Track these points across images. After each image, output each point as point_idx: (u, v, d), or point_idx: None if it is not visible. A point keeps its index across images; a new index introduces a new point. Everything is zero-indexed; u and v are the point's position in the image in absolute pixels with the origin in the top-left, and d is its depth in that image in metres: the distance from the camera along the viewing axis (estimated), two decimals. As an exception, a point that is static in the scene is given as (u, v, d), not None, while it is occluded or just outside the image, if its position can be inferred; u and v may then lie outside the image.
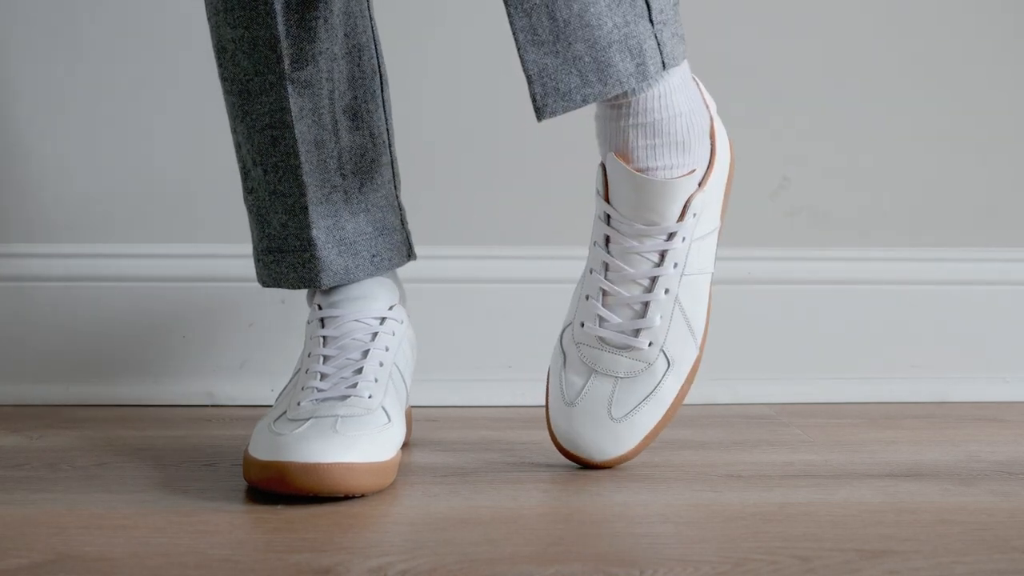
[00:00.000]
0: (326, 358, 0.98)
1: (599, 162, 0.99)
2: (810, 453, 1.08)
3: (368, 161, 1.04)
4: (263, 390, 1.33)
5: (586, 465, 0.98)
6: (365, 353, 0.98)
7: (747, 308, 1.40)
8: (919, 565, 0.73)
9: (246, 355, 1.36)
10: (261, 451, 0.89)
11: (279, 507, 0.86)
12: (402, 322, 1.03)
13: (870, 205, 1.43)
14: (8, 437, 1.14)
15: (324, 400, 0.94)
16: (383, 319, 1.02)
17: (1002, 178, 1.44)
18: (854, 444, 1.12)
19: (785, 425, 1.23)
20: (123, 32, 1.36)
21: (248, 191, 1.05)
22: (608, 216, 0.97)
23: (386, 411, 0.95)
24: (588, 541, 0.77)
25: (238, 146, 1.04)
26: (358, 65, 1.02)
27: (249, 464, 0.90)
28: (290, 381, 1.00)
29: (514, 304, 1.36)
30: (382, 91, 1.05)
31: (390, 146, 1.06)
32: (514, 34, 0.90)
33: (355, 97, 1.02)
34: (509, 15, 0.90)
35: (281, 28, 0.96)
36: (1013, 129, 1.44)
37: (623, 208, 0.96)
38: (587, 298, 0.99)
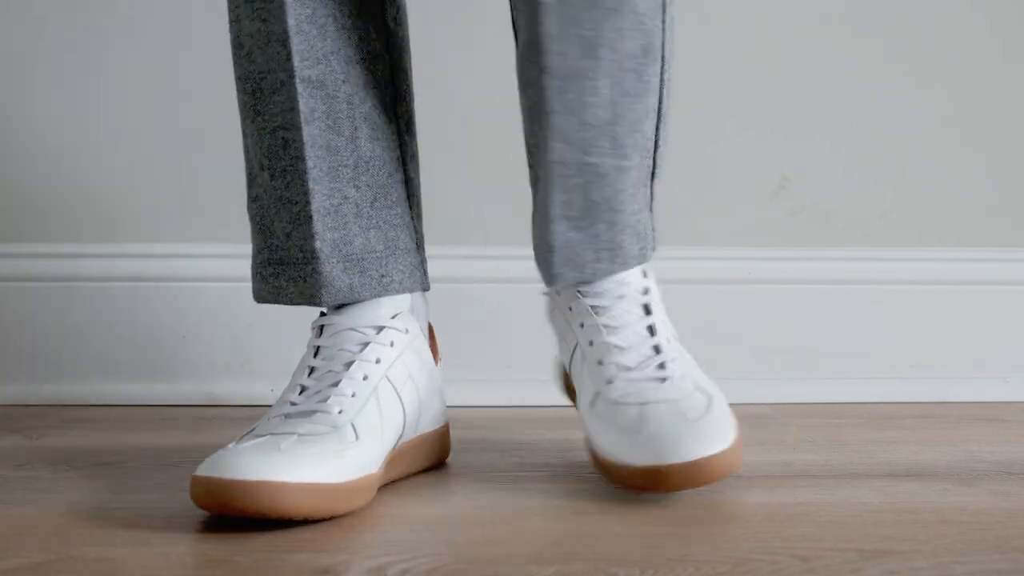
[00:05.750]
0: (312, 370, 0.93)
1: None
2: (810, 453, 1.08)
3: (385, 175, 0.99)
4: (263, 390, 1.33)
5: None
6: (349, 364, 0.92)
7: (747, 308, 1.40)
8: (919, 565, 0.73)
9: (246, 355, 1.36)
10: (202, 467, 0.83)
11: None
12: (406, 332, 0.97)
13: (870, 205, 1.43)
14: (8, 437, 1.14)
15: (291, 416, 0.89)
16: (381, 328, 0.95)
17: (1002, 178, 1.44)
18: (854, 444, 1.12)
19: (785, 425, 1.23)
20: (123, 32, 1.36)
21: (252, 198, 0.99)
22: None
23: (355, 428, 0.88)
24: (588, 541, 0.77)
25: (247, 149, 1.00)
26: (372, 73, 0.98)
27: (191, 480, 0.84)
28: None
29: (514, 304, 1.36)
30: (395, 105, 1.00)
31: (404, 164, 1.02)
32: (548, 206, 0.94)
33: (373, 106, 0.98)
34: (550, 188, 0.94)
35: (291, 22, 0.93)
36: (1013, 129, 1.44)
37: None
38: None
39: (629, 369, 0.94)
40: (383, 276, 0.98)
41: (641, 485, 0.87)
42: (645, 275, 0.99)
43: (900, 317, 1.41)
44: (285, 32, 0.94)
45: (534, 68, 0.92)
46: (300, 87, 0.94)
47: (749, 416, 1.28)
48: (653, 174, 0.98)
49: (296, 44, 0.94)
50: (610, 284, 0.98)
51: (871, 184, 1.43)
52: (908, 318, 1.42)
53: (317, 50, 0.95)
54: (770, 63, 1.41)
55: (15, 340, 1.35)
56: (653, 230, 0.99)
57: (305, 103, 0.94)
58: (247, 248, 1.39)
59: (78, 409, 1.31)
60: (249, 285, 1.35)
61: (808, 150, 1.42)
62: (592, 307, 0.97)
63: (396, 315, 0.97)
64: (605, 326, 0.96)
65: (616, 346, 0.95)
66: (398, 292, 0.99)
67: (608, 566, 0.72)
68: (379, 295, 0.97)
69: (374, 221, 0.98)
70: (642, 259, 0.98)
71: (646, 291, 0.98)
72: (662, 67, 0.95)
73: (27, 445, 1.10)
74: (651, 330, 0.96)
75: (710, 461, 0.86)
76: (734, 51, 1.41)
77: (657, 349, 0.95)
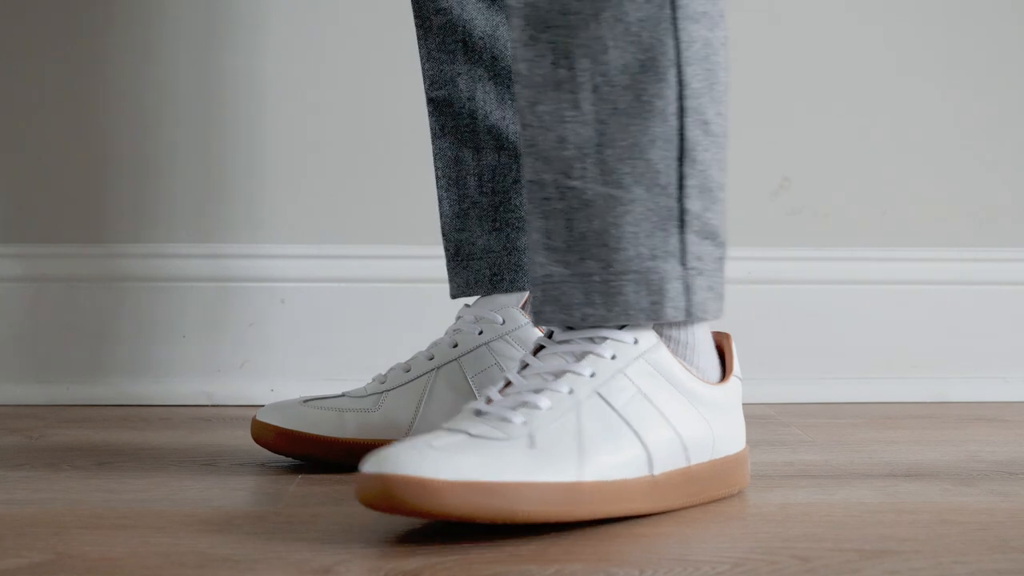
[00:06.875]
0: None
1: None
2: (810, 453, 1.08)
3: (510, 181, 1.07)
4: (263, 390, 1.33)
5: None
6: (455, 331, 1.03)
7: (747, 308, 1.40)
8: (919, 565, 0.72)
9: (246, 355, 1.36)
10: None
11: (279, 507, 0.86)
12: (502, 323, 1.03)
13: (870, 205, 1.43)
14: (8, 437, 1.14)
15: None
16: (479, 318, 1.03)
17: (1002, 178, 1.44)
18: (854, 444, 1.12)
19: (785, 425, 1.23)
20: (124, 32, 1.36)
21: None
22: None
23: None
24: (588, 541, 0.77)
25: None
26: (507, 87, 1.06)
27: None
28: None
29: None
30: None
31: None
32: (529, 234, 0.86)
33: (504, 117, 1.07)
34: (529, 212, 0.86)
35: (423, 51, 1.07)
36: (1014, 129, 1.44)
37: None
38: None
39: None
40: (494, 275, 1.06)
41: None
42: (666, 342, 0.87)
43: (900, 317, 1.41)
44: (421, 59, 1.09)
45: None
46: (429, 107, 1.08)
47: (749, 416, 1.28)
48: (683, 222, 0.85)
49: (427, 70, 1.08)
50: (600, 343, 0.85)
51: (871, 184, 1.43)
52: (908, 318, 1.41)
53: (444, 73, 1.07)
54: (770, 62, 1.41)
55: (15, 340, 1.35)
56: (689, 290, 0.86)
57: (434, 121, 1.08)
58: (246, 248, 1.39)
59: (78, 409, 1.31)
60: (248, 285, 1.36)
61: (808, 150, 1.42)
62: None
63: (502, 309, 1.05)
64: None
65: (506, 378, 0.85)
66: (507, 291, 1.06)
67: (608, 566, 0.72)
68: (488, 293, 1.05)
69: (497, 224, 1.07)
70: (655, 315, 0.85)
71: (615, 356, 0.84)
72: (680, 93, 0.85)
73: (27, 445, 1.10)
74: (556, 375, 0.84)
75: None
76: (734, 51, 1.41)
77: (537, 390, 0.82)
